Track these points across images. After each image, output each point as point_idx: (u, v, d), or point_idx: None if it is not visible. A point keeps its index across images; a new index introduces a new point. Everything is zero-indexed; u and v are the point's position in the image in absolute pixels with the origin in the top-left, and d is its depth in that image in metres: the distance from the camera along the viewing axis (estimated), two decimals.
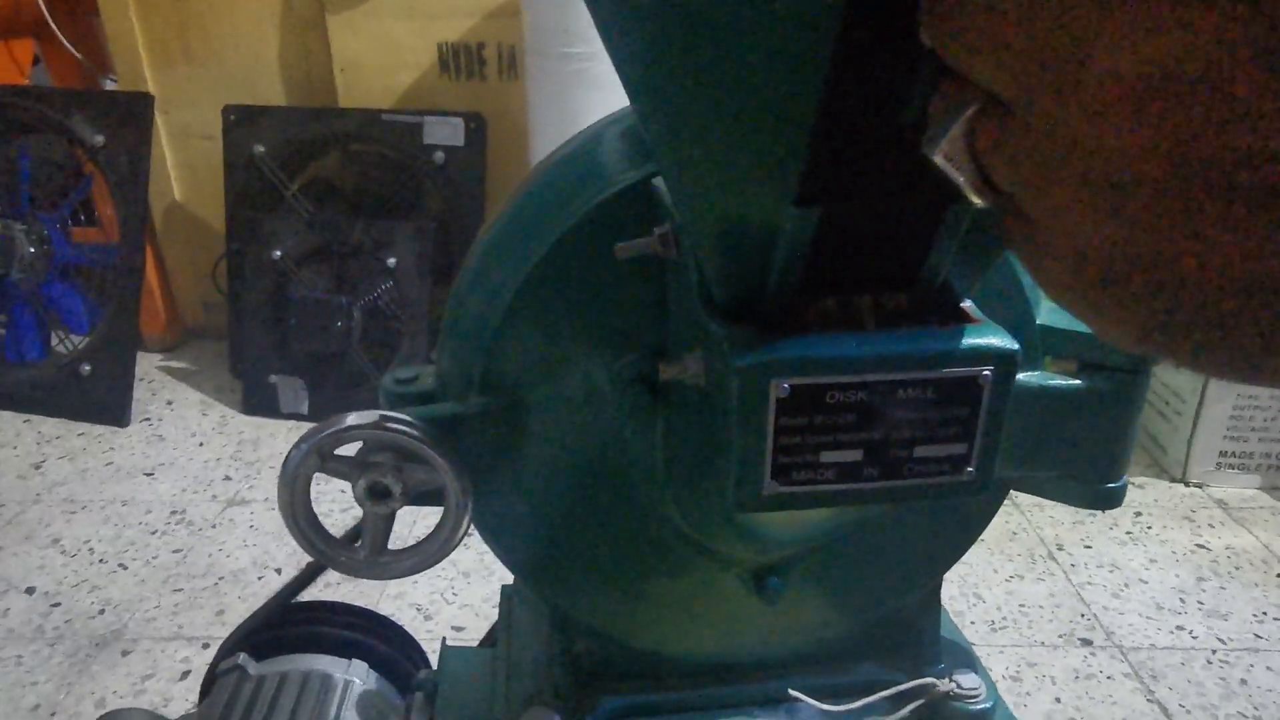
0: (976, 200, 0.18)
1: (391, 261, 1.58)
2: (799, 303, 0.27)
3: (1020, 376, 0.38)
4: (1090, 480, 0.43)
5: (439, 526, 0.36)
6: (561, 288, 0.36)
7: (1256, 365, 0.15)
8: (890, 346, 0.26)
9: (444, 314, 0.41)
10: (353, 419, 0.34)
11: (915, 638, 0.47)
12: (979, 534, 0.45)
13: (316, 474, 0.35)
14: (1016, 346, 0.27)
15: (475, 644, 0.63)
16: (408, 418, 0.35)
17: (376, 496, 0.35)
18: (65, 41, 1.73)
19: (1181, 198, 0.14)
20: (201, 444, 1.60)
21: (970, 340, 0.27)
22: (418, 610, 1.18)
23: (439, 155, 1.62)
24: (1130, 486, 1.45)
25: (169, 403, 1.74)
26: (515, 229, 0.38)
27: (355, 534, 0.38)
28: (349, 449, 0.35)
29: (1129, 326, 0.17)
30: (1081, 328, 0.41)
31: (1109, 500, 0.43)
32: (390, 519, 0.35)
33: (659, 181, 0.33)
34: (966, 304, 0.29)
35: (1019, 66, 0.15)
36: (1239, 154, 0.13)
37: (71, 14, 1.75)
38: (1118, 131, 0.14)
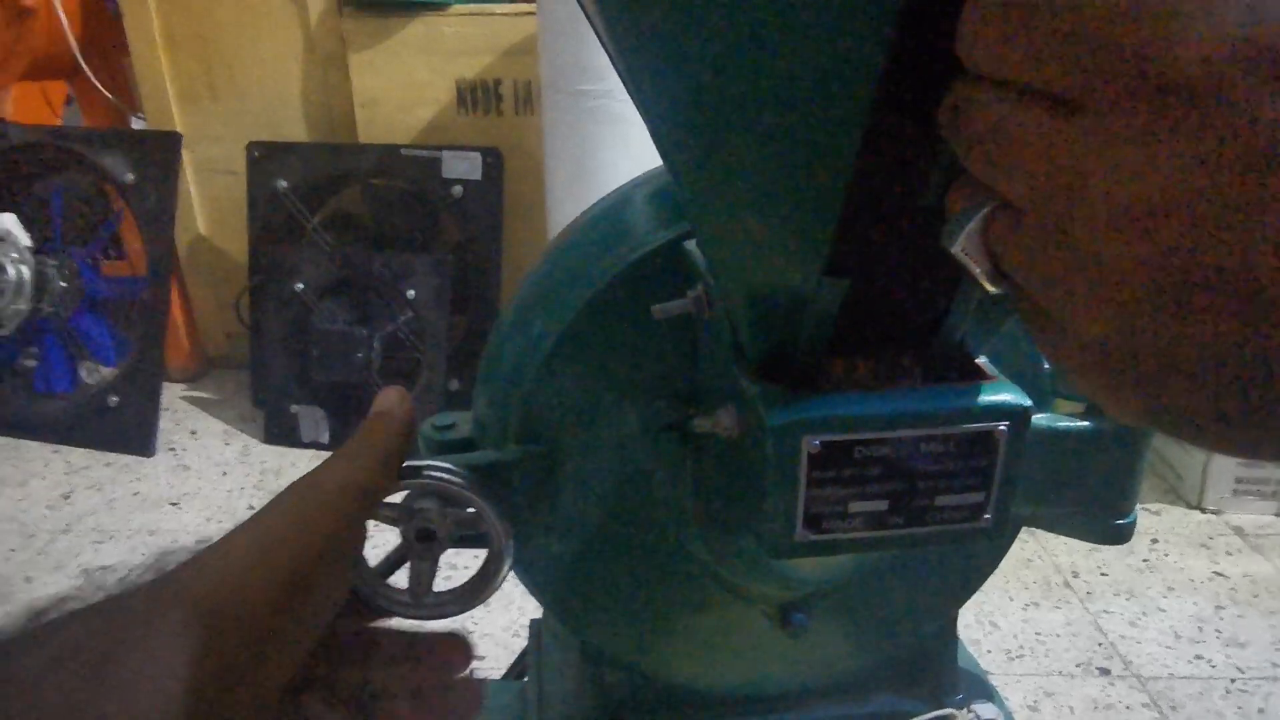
0: (991, 288, 0.20)
1: (411, 293, 1.62)
2: (826, 360, 0.29)
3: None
4: (1100, 516, 0.44)
5: (483, 568, 0.38)
6: (596, 340, 0.38)
7: (1254, 446, 0.17)
8: (913, 404, 0.28)
9: (481, 363, 0.44)
10: (404, 467, 0.36)
11: (933, 668, 0.49)
12: (993, 569, 0.47)
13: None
14: (1029, 403, 0.29)
15: (499, 674, 0.64)
16: (452, 465, 0.37)
17: (424, 540, 0.36)
18: (96, 82, 1.79)
19: (1175, 300, 0.16)
20: (225, 473, 1.62)
21: (987, 398, 0.29)
22: None
23: (457, 189, 1.66)
24: (1146, 513, 1.45)
25: (193, 432, 1.77)
26: (551, 284, 0.41)
27: (387, 568, 0.40)
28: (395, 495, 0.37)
29: (1134, 408, 0.18)
30: None
31: (1118, 535, 0.45)
32: (435, 562, 0.37)
33: (691, 245, 0.35)
34: (981, 360, 0.31)
35: (1028, 180, 0.18)
36: (1207, 268, 0.15)
37: (103, 56, 1.81)
38: (1115, 244, 0.16)
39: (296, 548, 0.28)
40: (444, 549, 0.37)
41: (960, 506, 0.29)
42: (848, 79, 0.21)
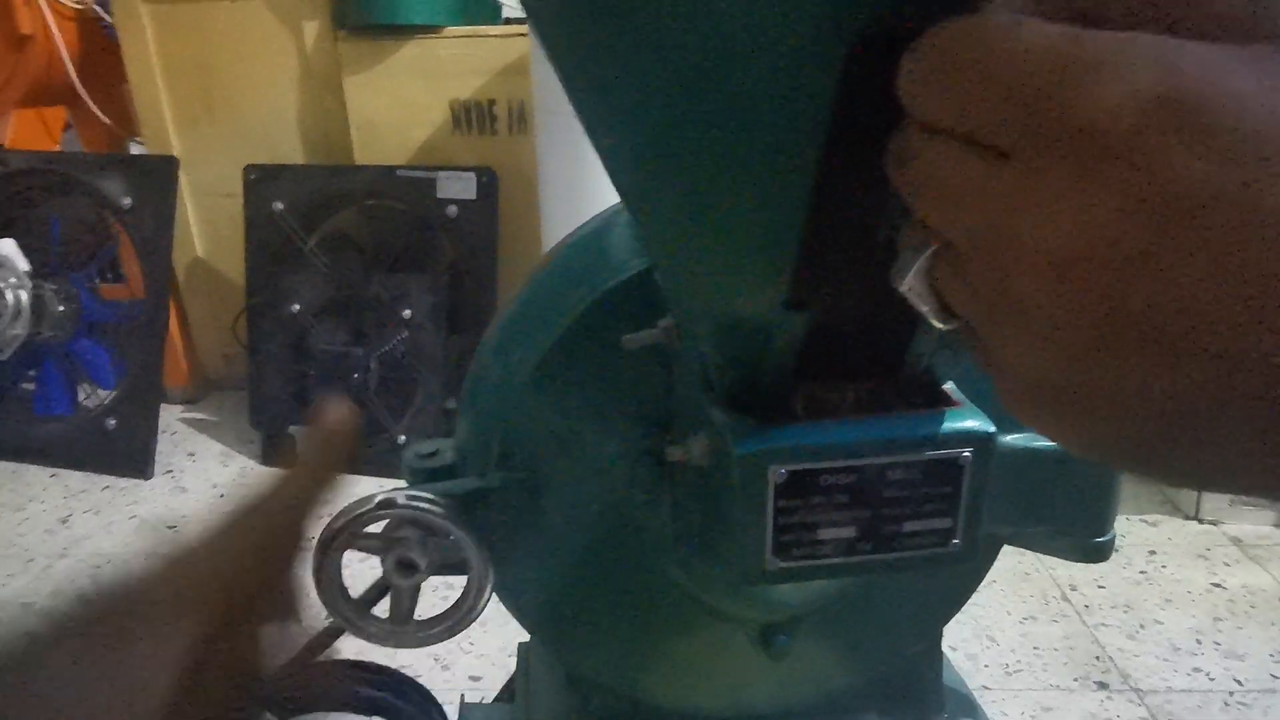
0: (939, 325, 0.21)
1: (407, 313, 1.62)
2: (794, 389, 0.30)
3: (1007, 439, 0.41)
4: (1079, 535, 0.45)
5: (462, 596, 0.38)
6: (574, 368, 0.39)
7: (1198, 479, 0.18)
8: (878, 432, 0.28)
9: (462, 389, 0.44)
10: (381, 499, 0.36)
11: (918, 687, 0.49)
12: (975, 588, 0.47)
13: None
14: (993, 430, 0.29)
15: (492, 695, 0.64)
16: (432, 496, 0.37)
17: (404, 569, 0.37)
18: (95, 108, 1.80)
19: (1103, 342, 0.16)
20: (222, 495, 1.62)
21: (950, 425, 0.29)
22: (435, 660, 1.19)
23: (452, 209, 1.67)
24: (1144, 524, 1.45)
25: (190, 454, 1.77)
26: (530, 312, 0.41)
27: (373, 597, 0.40)
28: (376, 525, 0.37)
29: (1073, 441, 0.19)
30: None
31: (1097, 553, 0.45)
32: (417, 590, 0.38)
33: None
34: (949, 386, 0.31)
35: (964, 224, 0.18)
36: (1127, 312, 0.16)
37: (101, 81, 1.82)
38: (1047, 289, 0.17)
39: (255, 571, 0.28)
40: (425, 578, 0.38)
41: (928, 532, 0.30)
42: (799, 119, 0.22)
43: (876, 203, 0.24)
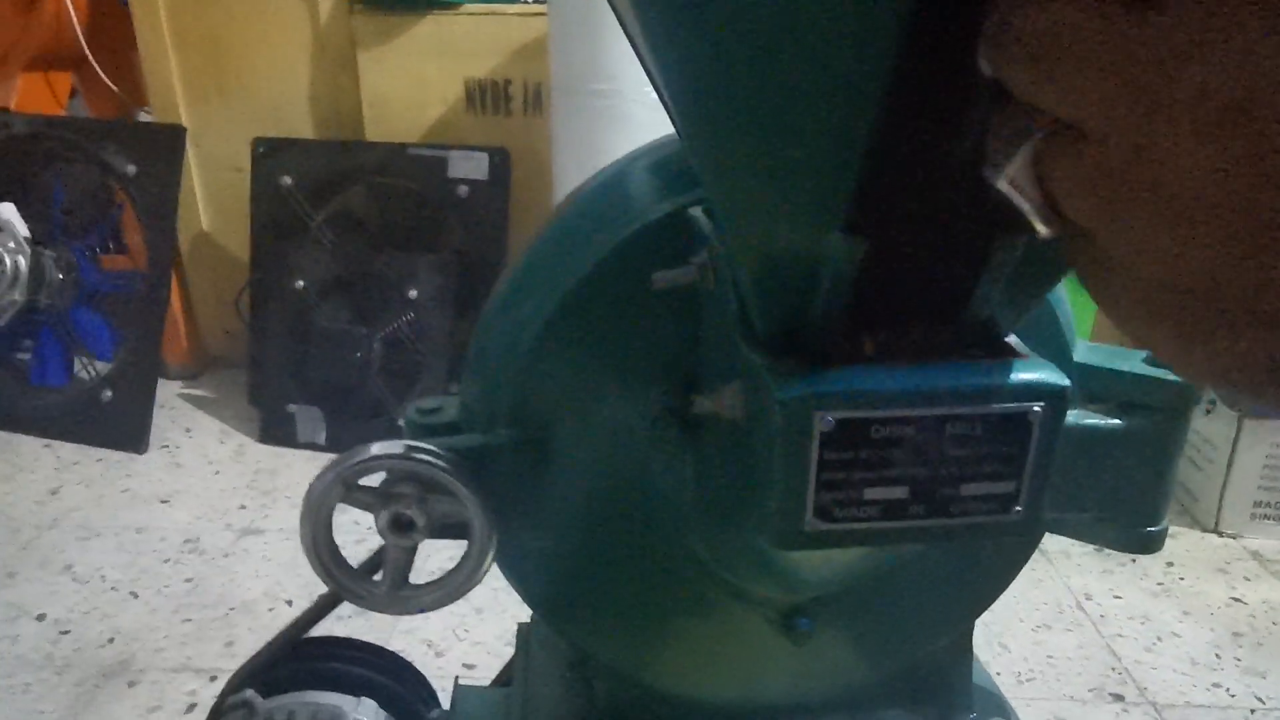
0: (1043, 230, 0.18)
1: (413, 293, 1.59)
2: (843, 334, 0.26)
3: None
4: (1129, 524, 0.42)
5: (463, 560, 0.35)
6: (591, 319, 0.36)
7: None
8: (939, 380, 0.25)
9: (469, 343, 0.41)
10: (378, 448, 0.33)
11: (946, 684, 0.46)
12: (1014, 577, 0.44)
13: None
14: (1068, 382, 0.26)
15: (487, 683, 0.61)
16: (434, 448, 0.34)
17: (400, 529, 0.34)
18: (103, 75, 1.78)
19: (1269, 231, 0.13)
20: (218, 472, 1.59)
21: (1020, 375, 0.26)
22: (429, 646, 1.16)
23: (463, 189, 1.64)
24: None
25: (188, 430, 1.74)
26: (545, 260, 0.38)
27: (372, 566, 0.37)
28: (372, 479, 0.34)
29: (1201, 361, 0.16)
30: (1120, 366, 0.40)
31: (1147, 544, 0.42)
32: (412, 552, 0.35)
33: (696, 211, 0.33)
34: (1011, 339, 0.28)
35: (1100, 89, 0.15)
36: None
37: (110, 48, 1.80)
38: (1204, 155, 0.13)
39: None
40: (422, 538, 0.35)
41: (989, 496, 0.27)
42: (874, 4, 0.19)
43: (959, 103, 0.21)
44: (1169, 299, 0.16)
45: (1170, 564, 1.35)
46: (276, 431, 1.68)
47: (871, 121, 0.21)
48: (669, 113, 0.25)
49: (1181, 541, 1.40)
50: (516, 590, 0.41)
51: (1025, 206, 0.18)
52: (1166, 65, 0.14)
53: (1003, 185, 0.18)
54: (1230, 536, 1.40)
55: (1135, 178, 0.15)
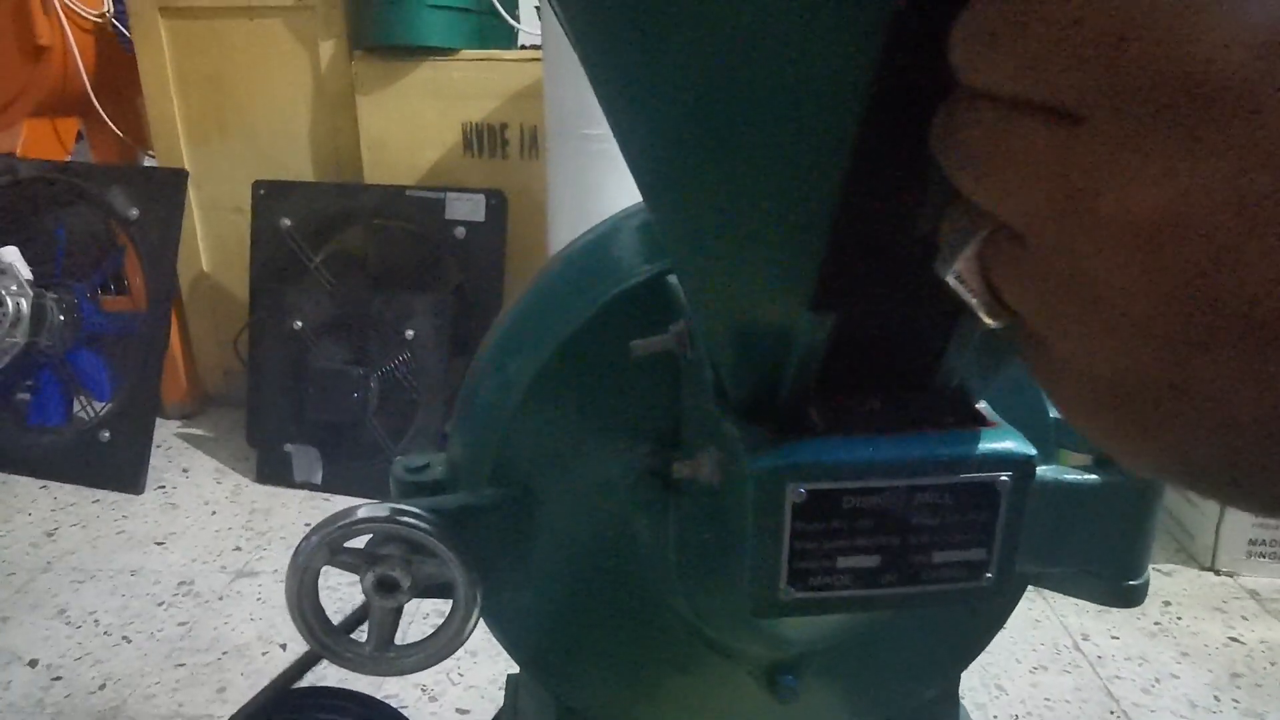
0: (989, 321, 0.19)
1: (410, 334, 1.60)
2: (814, 403, 0.27)
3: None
4: (1111, 576, 0.42)
5: (447, 620, 0.35)
6: (575, 380, 0.37)
7: (1274, 503, 0.15)
8: (907, 451, 0.26)
9: (456, 403, 0.42)
10: (364, 512, 0.33)
11: None
12: (997, 630, 0.44)
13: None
14: (1034, 452, 0.27)
15: None
16: (418, 510, 0.34)
17: (385, 590, 0.34)
18: (108, 120, 1.81)
19: (1188, 329, 0.14)
20: (214, 513, 1.59)
21: (987, 445, 0.26)
22: (422, 691, 1.15)
23: (460, 230, 1.66)
24: (1158, 574, 1.40)
25: (184, 470, 1.74)
26: (530, 321, 0.39)
27: (354, 621, 0.37)
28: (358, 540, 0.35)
29: (1141, 453, 0.16)
30: None
31: (1130, 597, 0.42)
32: (398, 613, 0.35)
33: (674, 279, 0.34)
34: (982, 405, 0.29)
35: (1029, 199, 0.16)
36: (1231, 294, 0.13)
37: (115, 94, 1.83)
38: (1126, 267, 0.14)
39: None
40: (407, 599, 0.35)
41: (959, 563, 0.27)
42: (834, 97, 0.20)
43: (917, 191, 0.22)
44: (1104, 395, 0.16)
45: (1168, 603, 1.34)
46: (273, 471, 1.67)
47: (834, 205, 0.22)
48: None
49: (1178, 580, 1.39)
50: (503, 646, 0.41)
51: (971, 301, 0.18)
52: (1091, 179, 0.14)
53: (950, 279, 0.19)
54: (1227, 574, 1.40)
55: (1068, 282, 0.16)
